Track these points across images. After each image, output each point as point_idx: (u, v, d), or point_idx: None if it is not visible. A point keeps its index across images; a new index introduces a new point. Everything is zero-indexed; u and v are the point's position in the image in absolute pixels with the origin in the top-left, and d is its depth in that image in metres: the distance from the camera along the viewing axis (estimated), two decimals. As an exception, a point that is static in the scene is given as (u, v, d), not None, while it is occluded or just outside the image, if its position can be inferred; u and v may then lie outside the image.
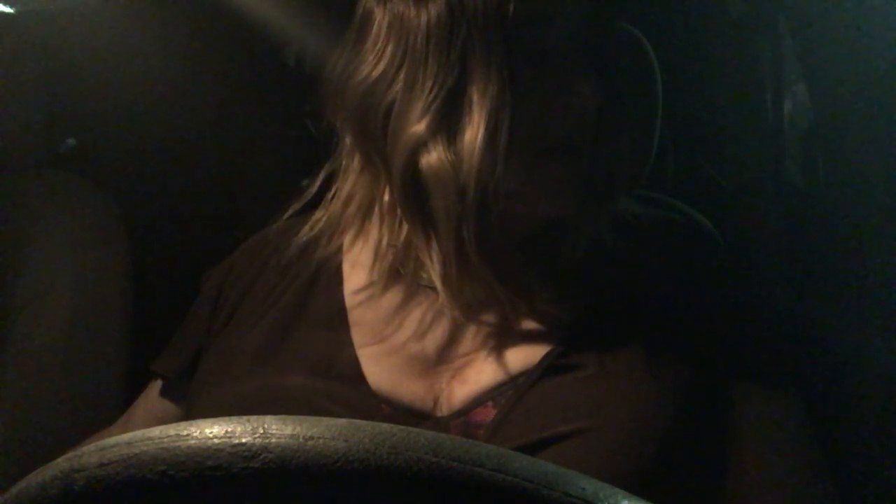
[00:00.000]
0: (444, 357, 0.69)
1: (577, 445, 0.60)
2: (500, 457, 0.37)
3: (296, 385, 0.67)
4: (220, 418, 0.37)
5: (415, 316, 0.71)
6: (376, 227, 0.73)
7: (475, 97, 0.62)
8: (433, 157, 0.62)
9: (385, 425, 0.37)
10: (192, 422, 0.37)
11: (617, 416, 0.62)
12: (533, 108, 0.64)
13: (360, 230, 0.76)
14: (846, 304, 0.82)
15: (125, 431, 0.38)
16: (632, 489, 0.39)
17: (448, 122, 0.63)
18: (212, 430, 0.36)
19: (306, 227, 0.78)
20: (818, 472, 0.66)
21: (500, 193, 0.62)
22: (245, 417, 0.37)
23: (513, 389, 0.65)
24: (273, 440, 0.36)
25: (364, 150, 0.69)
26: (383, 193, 0.71)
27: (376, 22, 0.67)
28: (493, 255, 0.65)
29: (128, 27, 1.10)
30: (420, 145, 0.63)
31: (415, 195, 0.65)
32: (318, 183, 0.77)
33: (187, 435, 0.36)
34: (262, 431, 0.36)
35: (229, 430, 0.36)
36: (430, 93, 0.63)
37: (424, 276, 0.70)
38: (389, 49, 0.65)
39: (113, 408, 0.97)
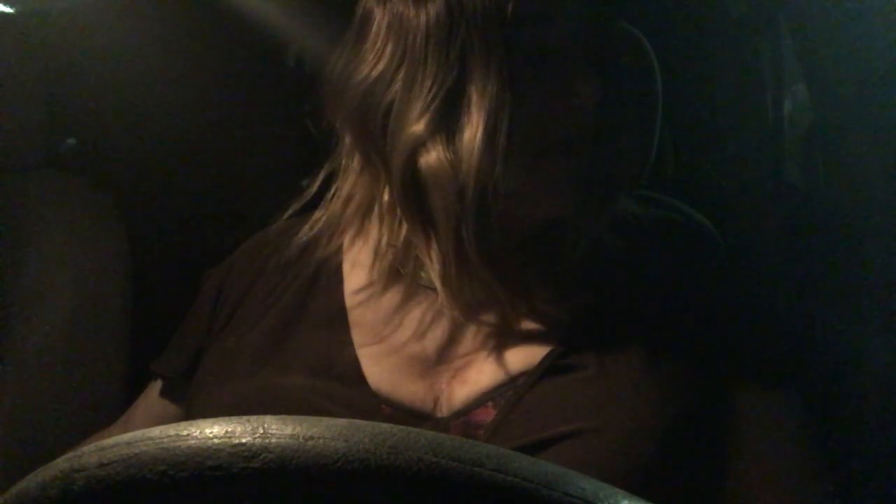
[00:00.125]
0: (443, 357, 0.69)
1: (577, 446, 0.60)
2: (500, 457, 0.37)
3: (296, 385, 0.67)
4: (220, 418, 0.37)
5: (414, 316, 0.71)
6: (376, 226, 0.73)
7: (474, 97, 0.62)
8: (432, 157, 0.62)
9: (385, 425, 0.37)
10: (192, 422, 0.37)
11: (617, 417, 0.61)
12: (532, 108, 0.64)
13: (359, 230, 0.76)
14: (846, 304, 0.82)
15: (125, 431, 0.38)
16: (632, 489, 0.39)
17: (447, 122, 0.63)
18: (212, 430, 0.36)
19: (306, 227, 0.78)
20: (818, 472, 0.66)
21: (499, 193, 0.62)
22: (245, 417, 0.37)
23: (513, 390, 0.65)
24: (273, 440, 0.36)
25: (363, 150, 0.69)
26: (383, 193, 0.71)
27: (376, 22, 0.67)
28: (493, 254, 0.65)
29: (128, 27, 1.10)
30: (419, 145, 0.63)
31: (414, 195, 0.65)
32: (317, 183, 0.77)
33: (187, 435, 0.36)
34: (262, 431, 0.36)
35: (229, 430, 0.36)
36: (429, 92, 0.63)
37: (424, 275, 0.70)
38: (389, 49, 0.65)
39: (113, 408, 0.97)
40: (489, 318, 0.69)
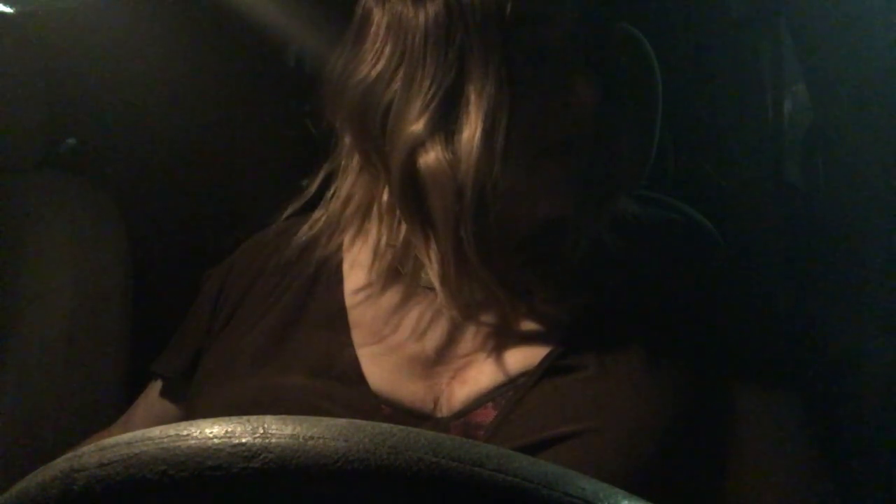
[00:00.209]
0: (443, 357, 0.69)
1: (577, 446, 0.60)
2: (501, 457, 0.37)
3: (296, 385, 0.67)
4: (220, 418, 0.37)
5: (414, 316, 0.71)
6: (375, 226, 0.73)
7: (472, 97, 0.62)
8: (431, 157, 0.62)
9: (385, 425, 0.37)
10: (192, 422, 0.37)
11: (617, 417, 0.61)
12: (531, 108, 0.64)
13: (359, 230, 0.76)
14: (846, 304, 0.83)
15: (125, 431, 0.38)
16: (632, 489, 0.39)
17: (446, 122, 0.63)
18: (212, 430, 0.36)
19: (305, 227, 0.78)
20: (818, 471, 0.66)
21: (497, 193, 0.62)
22: (245, 417, 0.37)
23: (513, 390, 0.64)
24: (273, 440, 0.36)
25: (363, 150, 0.69)
26: (382, 193, 0.71)
27: (375, 22, 0.67)
28: (492, 255, 0.65)
29: (128, 27, 1.10)
30: (418, 145, 0.63)
31: (413, 195, 0.65)
32: (317, 182, 0.77)
33: (187, 435, 0.36)
34: (262, 431, 0.36)
35: (229, 430, 0.36)
36: (427, 92, 0.63)
37: (424, 276, 0.70)
38: (388, 49, 0.65)
39: (113, 408, 0.97)
40: (489, 318, 0.69)
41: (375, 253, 0.73)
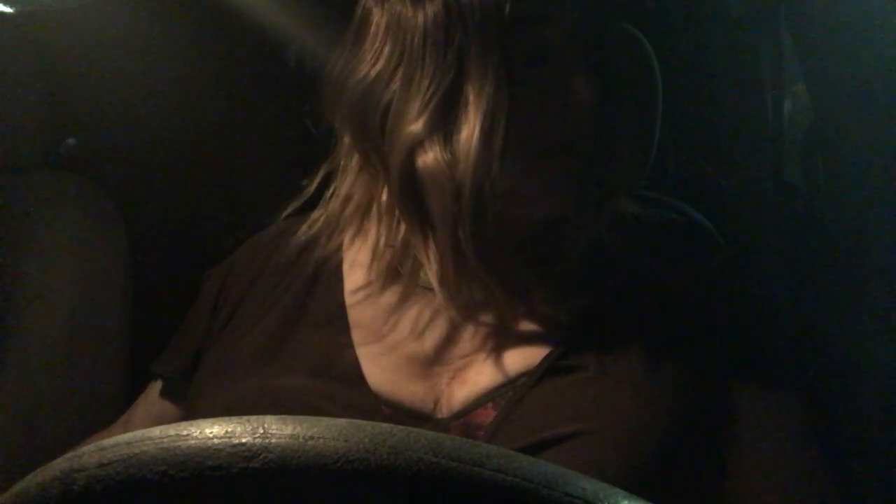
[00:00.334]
0: (442, 357, 0.69)
1: (577, 447, 0.60)
2: (501, 457, 0.37)
3: (296, 386, 0.67)
4: (220, 418, 0.37)
5: (413, 315, 0.71)
6: (374, 226, 0.73)
7: (471, 97, 0.62)
8: (429, 157, 0.62)
9: (385, 425, 0.37)
10: (192, 422, 0.37)
11: (617, 418, 0.61)
12: (531, 108, 0.64)
13: (358, 229, 0.76)
14: (846, 304, 0.83)
15: (125, 431, 0.38)
16: (632, 490, 0.39)
17: (445, 122, 0.63)
18: (212, 430, 0.36)
19: (305, 227, 0.79)
20: (818, 471, 0.66)
21: (496, 193, 0.62)
22: (245, 417, 0.37)
23: (512, 391, 0.64)
24: (273, 440, 0.36)
25: (362, 150, 0.69)
26: (381, 193, 0.71)
27: (374, 22, 0.67)
28: (490, 255, 0.65)
29: (128, 27, 1.10)
30: (417, 144, 0.63)
31: (412, 195, 0.65)
32: (316, 182, 0.77)
33: (187, 435, 0.36)
34: (262, 431, 0.36)
35: (229, 430, 0.36)
36: (426, 92, 0.63)
37: (423, 275, 0.70)
38: (387, 49, 0.65)
39: (113, 408, 0.97)
40: (488, 318, 0.69)
41: (374, 253, 0.73)
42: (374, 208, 0.73)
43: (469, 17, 0.62)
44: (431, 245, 0.66)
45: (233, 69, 1.15)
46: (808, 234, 0.94)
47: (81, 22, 1.10)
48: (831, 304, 0.84)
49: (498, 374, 0.66)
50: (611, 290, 0.70)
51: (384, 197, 0.71)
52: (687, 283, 0.71)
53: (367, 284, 0.74)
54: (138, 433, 0.37)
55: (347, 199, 0.75)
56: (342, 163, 0.75)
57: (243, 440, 0.36)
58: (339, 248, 0.78)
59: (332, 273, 0.76)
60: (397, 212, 0.69)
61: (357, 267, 0.76)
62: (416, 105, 0.63)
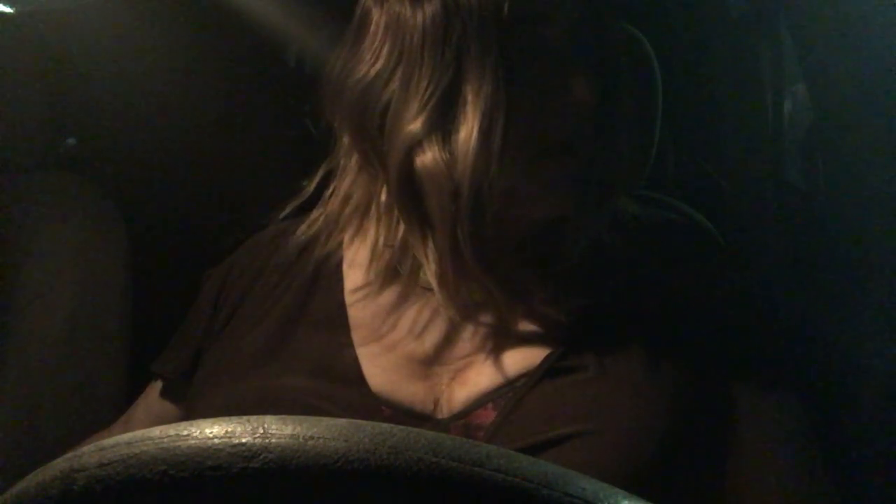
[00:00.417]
0: (442, 358, 0.69)
1: (577, 447, 0.60)
2: (501, 457, 0.37)
3: (296, 387, 0.67)
4: (220, 418, 0.37)
5: (411, 315, 0.71)
6: (374, 226, 0.73)
7: (470, 97, 0.62)
8: (428, 157, 0.62)
9: (385, 425, 0.37)
10: (192, 422, 0.37)
11: (617, 418, 0.61)
12: (530, 108, 0.64)
13: (358, 229, 0.76)
14: (846, 304, 0.82)
15: (125, 431, 0.38)
16: (632, 490, 0.39)
17: (443, 122, 0.63)
18: (212, 430, 0.36)
19: (304, 227, 0.79)
20: (818, 471, 0.66)
21: (494, 193, 0.62)
22: (245, 417, 0.37)
23: (512, 391, 0.64)
24: (273, 440, 0.36)
25: (361, 149, 0.69)
26: (380, 193, 0.71)
27: (373, 21, 0.67)
28: (489, 255, 0.65)
29: (128, 27, 1.10)
30: (415, 144, 0.63)
31: (410, 194, 0.65)
32: (315, 182, 0.77)
33: (187, 435, 0.36)
34: (262, 431, 0.36)
35: (229, 430, 0.36)
36: (425, 92, 0.63)
37: (422, 275, 0.70)
38: (386, 48, 0.65)
39: (113, 408, 0.97)
40: (487, 318, 0.69)
41: (374, 252, 0.73)
42: (374, 208, 0.73)
43: (468, 16, 0.62)
44: (430, 245, 0.66)
45: (233, 69, 1.16)
46: (808, 234, 0.94)
47: (81, 22, 1.10)
48: (831, 304, 0.84)
49: (498, 375, 0.66)
50: (611, 290, 0.70)
51: (383, 196, 0.71)
52: (687, 283, 0.71)
53: (367, 284, 0.74)
54: (138, 433, 0.37)
55: (347, 198, 0.75)
56: (342, 162, 0.75)
57: (243, 440, 0.36)
58: (339, 247, 0.78)
59: (331, 273, 0.76)
60: (396, 211, 0.69)
61: (356, 267, 0.76)
62: (414, 105, 0.63)
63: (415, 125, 0.63)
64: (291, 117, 1.07)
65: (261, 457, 0.35)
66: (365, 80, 0.66)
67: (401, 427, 0.37)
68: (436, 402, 0.66)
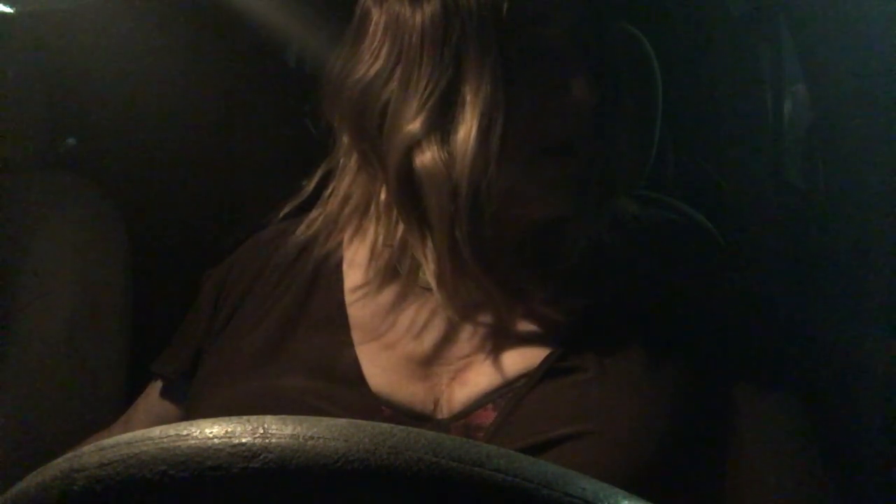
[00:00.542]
0: (441, 358, 0.69)
1: (577, 448, 0.60)
2: (501, 457, 0.37)
3: (295, 387, 0.67)
4: (220, 418, 0.37)
5: (410, 314, 0.71)
6: (373, 225, 0.73)
7: (469, 97, 0.62)
8: (427, 157, 0.62)
9: (385, 425, 0.37)
10: (192, 422, 0.37)
11: (617, 419, 0.61)
12: (529, 108, 0.64)
13: (357, 229, 0.76)
14: (847, 304, 0.82)
15: (125, 431, 0.38)
16: (632, 490, 0.39)
17: (442, 122, 0.63)
18: (212, 430, 0.36)
19: (303, 227, 0.78)
20: (818, 472, 0.66)
21: (493, 193, 0.62)
22: (245, 417, 0.37)
23: (512, 392, 0.64)
24: (273, 440, 0.36)
25: (360, 149, 0.69)
26: (380, 192, 0.71)
27: (373, 21, 0.67)
28: (488, 255, 0.65)
29: (128, 27, 1.10)
30: (414, 144, 0.63)
31: (409, 194, 0.65)
32: (314, 182, 0.77)
33: (187, 435, 0.36)
34: (262, 431, 0.36)
35: (229, 430, 0.36)
36: (424, 92, 0.63)
37: (421, 275, 0.70)
38: (385, 48, 0.66)
39: (113, 408, 0.97)
40: (486, 318, 0.69)
41: (373, 252, 0.73)
42: (373, 207, 0.73)
43: (467, 16, 0.62)
44: (429, 244, 0.66)
45: (233, 69, 1.16)
46: (808, 234, 0.94)
47: (81, 22, 1.11)
48: (831, 304, 0.84)
49: (498, 375, 0.66)
50: (611, 290, 0.70)
51: (382, 196, 0.71)
52: (687, 283, 0.71)
53: (366, 284, 0.74)
54: (138, 433, 0.37)
55: (346, 198, 0.75)
56: (341, 162, 0.75)
57: (243, 440, 0.36)
58: (339, 247, 0.78)
59: (331, 272, 0.76)
60: (395, 211, 0.68)
61: (356, 266, 0.76)
62: (413, 104, 0.63)
63: (414, 125, 0.63)
64: (291, 117, 1.07)
65: (261, 457, 0.35)
66: (364, 79, 0.66)
67: (401, 427, 0.37)
68: (436, 403, 0.66)
